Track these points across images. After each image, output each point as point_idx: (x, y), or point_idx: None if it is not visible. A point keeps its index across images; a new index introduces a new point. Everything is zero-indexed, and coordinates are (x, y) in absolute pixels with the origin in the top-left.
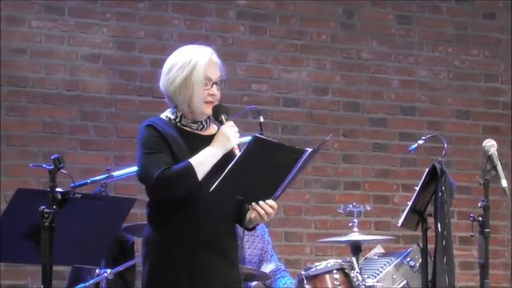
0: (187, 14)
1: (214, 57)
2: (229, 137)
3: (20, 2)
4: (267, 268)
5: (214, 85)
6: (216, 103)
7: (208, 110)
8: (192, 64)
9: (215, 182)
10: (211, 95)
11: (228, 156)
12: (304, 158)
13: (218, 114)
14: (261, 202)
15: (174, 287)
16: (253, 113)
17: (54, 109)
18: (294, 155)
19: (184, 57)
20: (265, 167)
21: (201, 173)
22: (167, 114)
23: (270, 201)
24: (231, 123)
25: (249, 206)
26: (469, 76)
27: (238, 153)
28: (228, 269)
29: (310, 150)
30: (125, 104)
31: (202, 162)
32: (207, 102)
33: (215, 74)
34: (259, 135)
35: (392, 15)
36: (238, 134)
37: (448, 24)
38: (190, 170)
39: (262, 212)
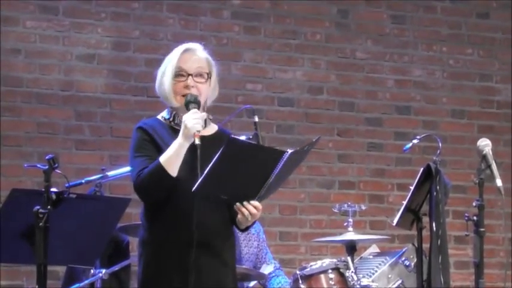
0: (182, 14)
1: (192, 51)
2: (186, 124)
3: (14, 2)
4: (266, 270)
5: (191, 77)
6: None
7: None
8: (167, 61)
9: (196, 180)
10: (187, 86)
11: (193, 147)
12: (285, 159)
13: (187, 105)
14: (245, 202)
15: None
16: (248, 113)
17: (49, 109)
18: (274, 155)
19: (167, 57)
20: (245, 167)
21: (172, 168)
22: (163, 114)
23: (253, 202)
24: (193, 110)
25: (234, 206)
26: (464, 75)
27: (197, 140)
28: (221, 268)
29: (290, 151)
30: (119, 103)
31: (170, 157)
32: (184, 95)
33: (191, 65)
34: (234, 137)
35: (386, 14)
36: (199, 120)
37: (443, 23)
38: (160, 168)
39: (246, 212)
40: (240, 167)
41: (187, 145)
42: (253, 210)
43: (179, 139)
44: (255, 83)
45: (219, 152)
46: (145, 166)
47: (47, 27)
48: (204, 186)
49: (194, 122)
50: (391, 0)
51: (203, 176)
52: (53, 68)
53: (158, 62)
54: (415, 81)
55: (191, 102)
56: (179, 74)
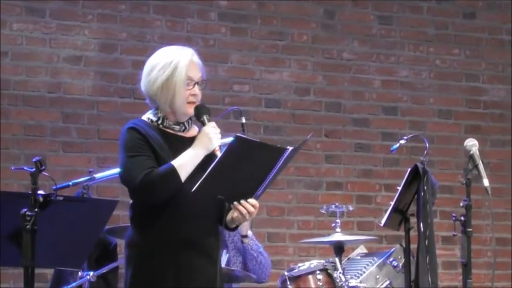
0: (168, 15)
1: (195, 58)
2: (211, 138)
3: (0, 4)
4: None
5: (196, 85)
6: (197, 103)
7: (191, 111)
8: (173, 64)
9: (197, 183)
10: (193, 95)
11: (210, 157)
12: (285, 157)
13: (200, 115)
14: (242, 201)
15: None
16: (235, 114)
17: (36, 111)
18: (275, 153)
19: (165, 57)
20: (246, 166)
21: (183, 175)
22: (149, 116)
23: (251, 200)
24: (213, 124)
25: (231, 205)
26: (451, 76)
27: (219, 154)
28: (211, 268)
29: (291, 148)
30: (107, 105)
31: (185, 164)
32: (189, 103)
33: (196, 74)
34: (241, 135)
35: (373, 15)
36: (220, 135)
37: (429, 24)
38: (173, 173)
39: (244, 211)
40: (241, 165)
41: (202, 156)
42: (251, 209)
43: (197, 149)
44: (242, 84)
45: (225, 150)
46: (151, 166)
47: (33, 30)
48: (203, 187)
49: (217, 137)
50: (377, 0)
51: (204, 176)
52: (39, 70)
53: (145, 64)
54: (401, 82)
55: (204, 113)
56: (187, 82)
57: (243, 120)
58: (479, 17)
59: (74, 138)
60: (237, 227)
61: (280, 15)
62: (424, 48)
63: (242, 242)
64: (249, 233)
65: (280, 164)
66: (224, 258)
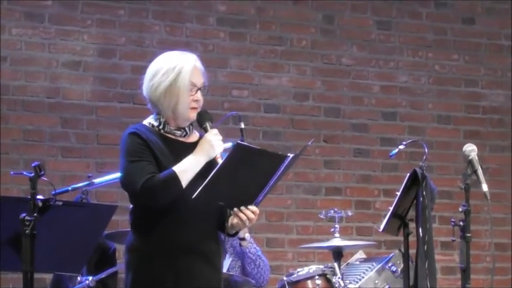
0: (167, 21)
1: (198, 64)
2: (213, 145)
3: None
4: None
5: (199, 91)
6: (199, 109)
7: (193, 116)
8: (177, 70)
9: (198, 189)
10: (196, 100)
11: (211, 163)
12: (286, 164)
13: (203, 121)
14: (242, 208)
15: None
16: (234, 119)
17: (35, 116)
18: (276, 160)
19: (168, 63)
20: (247, 173)
21: (184, 181)
22: (150, 121)
23: (252, 207)
24: (215, 131)
25: (231, 211)
26: (450, 81)
27: (221, 161)
28: (211, 273)
29: (292, 155)
30: (105, 110)
31: (186, 170)
32: (191, 108)
33: (199, 80)
34: (242, 142)
35: (372, 20)
36: (222, 142)
37: (428, 29)
38: (175, 178)
39: (244, 217)
40: (241, 172)
41: (204, 163)
42: (251, 215)
43: (198, 156)
44: (241, 90)
45: (225, 157)
46: (153, 171)
47: (32, 35)
48: (204, 194)
49: (219, 144)
50: (376, 5)
51: (205, 183)
52: (38, 75)
53: (144, 69)
54: (400, 87)
55: (207, 120)
56: (190, 88)
57: (242, 126)
58: (478, 23)
59: (73, 143)
60: (236, 233)
61: (279, 20)
62: (423, 54)
63: (240, 245)
64: (247, 235)
65: (280, 171)
66: (226, 263)
